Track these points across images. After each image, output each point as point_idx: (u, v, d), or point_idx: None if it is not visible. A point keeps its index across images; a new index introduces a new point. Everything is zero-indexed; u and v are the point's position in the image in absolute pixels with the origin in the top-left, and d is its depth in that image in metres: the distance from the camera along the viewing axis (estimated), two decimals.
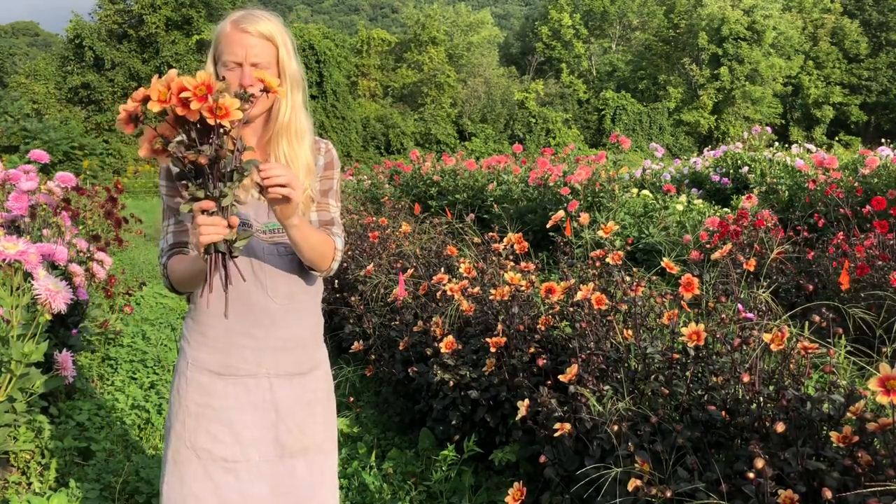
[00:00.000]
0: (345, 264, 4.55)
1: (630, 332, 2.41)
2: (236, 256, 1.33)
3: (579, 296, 2.40)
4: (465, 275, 3.16)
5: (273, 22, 1.53)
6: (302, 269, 1.60)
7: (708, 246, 4.29)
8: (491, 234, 3.71)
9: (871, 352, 2.39)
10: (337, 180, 1.71)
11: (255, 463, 1.53)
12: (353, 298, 3.98)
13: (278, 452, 1.55)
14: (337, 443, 1.73)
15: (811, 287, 3.36)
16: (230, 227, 1.28)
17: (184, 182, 1.28)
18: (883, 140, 9.96)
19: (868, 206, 4.86)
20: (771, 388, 1.94)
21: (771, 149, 10.78)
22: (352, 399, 3.75)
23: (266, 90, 1.35)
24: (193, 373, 1.54)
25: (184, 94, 1.19)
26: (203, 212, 1.27)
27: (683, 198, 7.62)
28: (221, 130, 1.24)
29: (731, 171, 10.41)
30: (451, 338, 2.74)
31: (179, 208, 1.46)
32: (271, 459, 1.54)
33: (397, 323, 3.53)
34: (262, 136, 1.60)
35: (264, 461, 1.54)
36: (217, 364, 1.53)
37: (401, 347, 3.27)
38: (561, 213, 3.37)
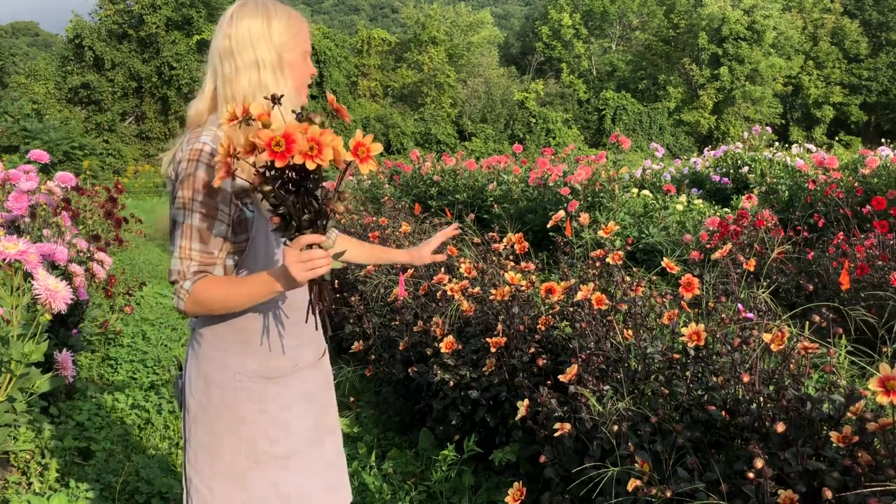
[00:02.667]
0: (345, 264, 4.53)
1: (630, 332, 2.41)
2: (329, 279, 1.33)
3: (579, 296, 2.40)
4: (465, 275, 3.16)
5: None
6: None
7: (708, 246, 4.29)
8: (491, 234, 3.71)
9: (871, 352, 2.39)
10: None
11: (304, 454, 1.56)
12: (353, 298, 3.98)
13: (315, 438, 1.59)
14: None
15: (811, 287, 3.36)
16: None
17: (281, 213, 1.22)
18: (883, 140, 9.97)
19: (868, 206, 4.87)
20: (771, 388, 1.94)
21: (771, 149, 10.77)
22: (352, 399, 3.75)
23: (338, 161, 1.23)
24: (242, 382, 1.50)
25: (296, 159, 1.15)
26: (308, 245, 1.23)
27: (683, 198, 7.61)
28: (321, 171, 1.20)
29: (732, 171, 10.40)
30: (451, 338, 2.74)
31: (282, 238, 1.32)
32: (311, 446, 1.59)
33: (397, 323, 3.52)
34: None
35: (307, 449, 1.57)
36: (267, 369, 1.51)
37: (401, 347, 3.26)
38: (561, 213, 3.37)
